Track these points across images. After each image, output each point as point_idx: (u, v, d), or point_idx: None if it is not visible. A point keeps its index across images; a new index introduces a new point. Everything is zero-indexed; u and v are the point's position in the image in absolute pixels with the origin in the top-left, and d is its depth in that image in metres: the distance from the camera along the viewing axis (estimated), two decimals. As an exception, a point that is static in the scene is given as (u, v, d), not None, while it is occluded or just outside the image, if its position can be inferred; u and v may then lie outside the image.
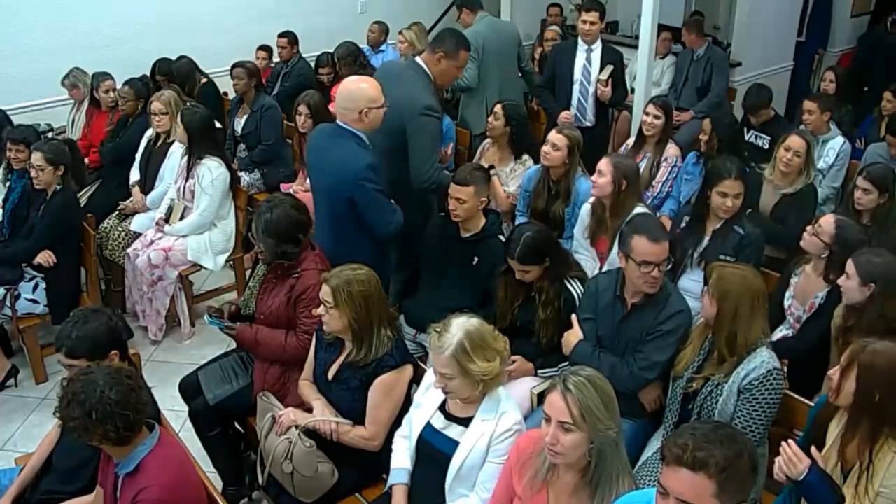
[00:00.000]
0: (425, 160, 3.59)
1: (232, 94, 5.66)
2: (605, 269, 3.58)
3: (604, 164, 3.56)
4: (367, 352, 2.74)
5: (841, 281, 2.90)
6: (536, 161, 4.28)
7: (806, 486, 2.22)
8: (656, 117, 4.38)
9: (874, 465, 2.20)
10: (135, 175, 4.90)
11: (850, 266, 2.86)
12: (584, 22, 5.02)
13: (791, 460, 2.24)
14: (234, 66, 5.39)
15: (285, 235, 3.06)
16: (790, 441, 2.29)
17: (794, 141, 3.94)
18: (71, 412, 2.10)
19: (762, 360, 2.58)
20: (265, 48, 6.50)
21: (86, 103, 5.51)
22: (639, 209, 3.55)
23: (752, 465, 1.76)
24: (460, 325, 2.40)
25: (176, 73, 5.75)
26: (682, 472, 1.73)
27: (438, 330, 2.40)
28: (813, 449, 2.30)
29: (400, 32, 6.32)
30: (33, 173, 3.99)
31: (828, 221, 3.17)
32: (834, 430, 2.36)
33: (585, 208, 3.75)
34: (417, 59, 3.82)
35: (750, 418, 2.56)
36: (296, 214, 3.08)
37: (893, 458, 2.19)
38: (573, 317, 3.01)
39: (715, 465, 1.70)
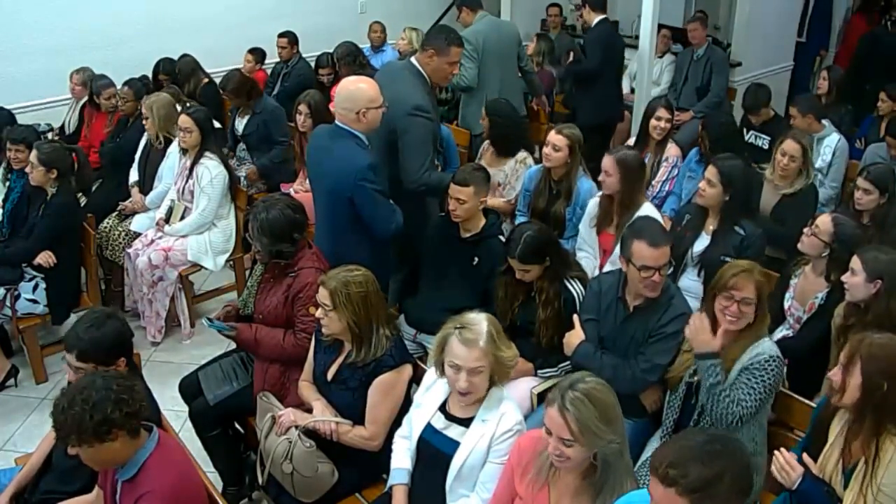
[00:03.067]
0: (414, 161, 3.57)
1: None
2: (606, 266, 3.59)
3: (608, 164, 3.56)
4: (366, 352, 2.74)
5: (846, 277, 2.90)
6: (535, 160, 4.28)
7: (801, 494, 2.21)
8: (668, 121, 4.39)
9: (879, 458, 2.19)
10: (133, 175, 4.90)
11: (856, 262, 2.86)
12: None
13: (784, 469, 2.23)
14: (225, 91, 5.33)
15: (281, 235, 3.06)
16: (782, 450, 2.29)
17: (789, 145, 3.96)
18: (100, 410, 2.05)
19: (765, 348, 2.61)
20: (254, 51, 6.37)
21: (80, 103, 5.51)
22: (646, 209, 3.55)
23: (739, 487, 1.70)
24: (481, 317, 2.42)
25: (178, 72, 5.75)
26: (656, 483, 1.72)
27: (459, 326, 2.39)
28: (805, 455, 2.30)
29: (404, 30, 6.32)
30: (28, 168, 4.02)
31: (824, 221, 3.19)
32: (835, 429, 2.36)
33: (594, 201, 3.76)
34: (412, 59, 3.82)
35: (745, 393, 2.55)
36: (291, 214, 3.08)
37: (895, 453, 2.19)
38: (575, 317, 3.01)
39: (686, 485, 1.67)
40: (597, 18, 5.57)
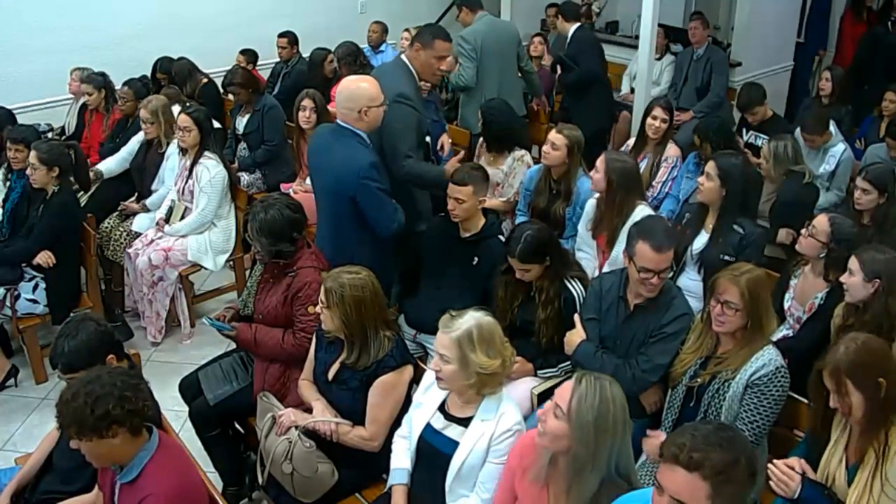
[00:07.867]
0: (397, 147, 3.53)
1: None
2: (605, 268, 3.59)
3: (599, 161, 3.61)
4: (359, 355, 2.74)
5: (844, 278, 2.90)
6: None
7: (803, 503, 2.21)
8: (663, 121, 4.39)
9: (889, 447, 2.19)
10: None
11: (853, 262, 2.87)
12: None
13: (782, 480, 2.23)
14: (227, 85, 5.37)
15: (280, 234, 3.06)
16: (776, 462, 2.28)
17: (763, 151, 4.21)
18: (102, 405, 2.05)
19: (770, 358, 2.59)
20: (246, 52, 6.33)
21: (79, 104, 5.52)
22: (643, 209, 3.55)
23: (750, 472, 1.74)
24: (475, 316, 2.42)
25: (175, 74, 5.76)
26: (677, 470, 1.73)
27: (454, 314, 2.43)
28: (801, 462, 2.30)
29: (406, 29, 6.31)
30: (28, 170, 4.01)
31: (821, 221, 3.20)
32: (837, 428, 2.36)
33: (591, 203, 3.77)
34: (402, 56, 3.83)
35: (756, 413, 2.56)
36: (290, 213, 3.08)
37: None
38: (576, 316, 3.00)
39: (710, 468, 1.69)
40: (573, 28, 5.69)
